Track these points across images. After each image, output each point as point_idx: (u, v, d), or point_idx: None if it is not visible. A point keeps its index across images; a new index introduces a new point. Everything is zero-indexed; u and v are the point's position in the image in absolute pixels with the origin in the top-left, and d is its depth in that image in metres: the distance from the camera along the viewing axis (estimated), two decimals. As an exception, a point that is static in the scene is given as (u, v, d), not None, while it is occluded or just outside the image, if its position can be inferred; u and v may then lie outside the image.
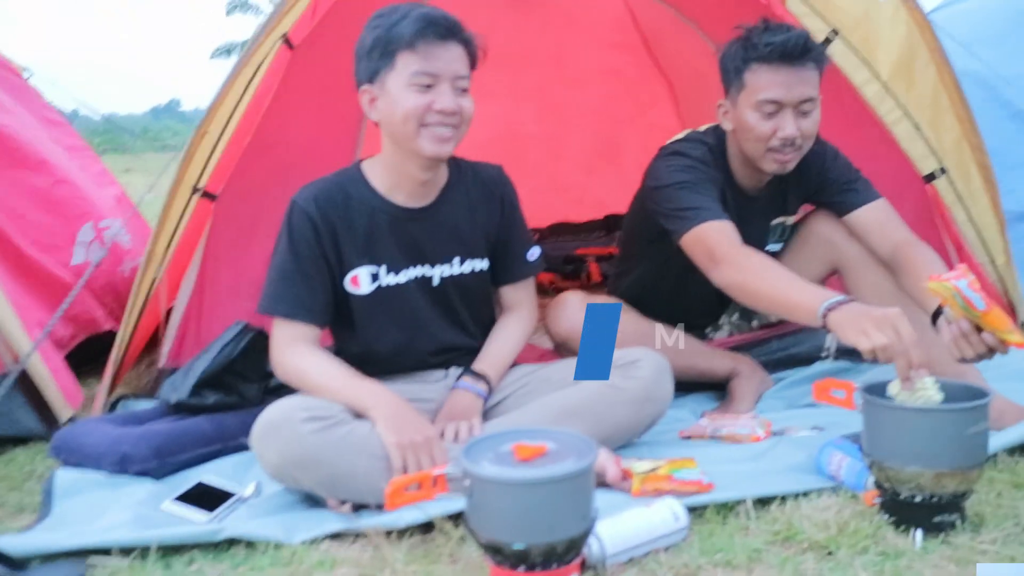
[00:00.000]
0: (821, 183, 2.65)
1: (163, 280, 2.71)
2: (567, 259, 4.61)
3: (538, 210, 4.72)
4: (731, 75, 2.49)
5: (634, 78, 4.53)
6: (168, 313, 2.85)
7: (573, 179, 4.81)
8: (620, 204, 4.70)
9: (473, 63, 2.20)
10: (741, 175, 2.63)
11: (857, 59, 2.85)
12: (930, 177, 2.92)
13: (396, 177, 2.24)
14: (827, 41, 2.84)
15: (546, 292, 4.37)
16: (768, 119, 2.42)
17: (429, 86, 2.09)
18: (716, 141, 2.62)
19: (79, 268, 3.28)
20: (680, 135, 2.69)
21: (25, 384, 2.56)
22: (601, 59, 4.47)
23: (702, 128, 2.68)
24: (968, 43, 3.53)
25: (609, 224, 4.84)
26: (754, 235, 2.68)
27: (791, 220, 2.76)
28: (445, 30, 2.10)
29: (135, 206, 3.78)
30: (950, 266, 2.81)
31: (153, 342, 3.01)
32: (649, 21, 4.16)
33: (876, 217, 2.55)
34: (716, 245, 2.37)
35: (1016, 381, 2.63)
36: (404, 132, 2.12)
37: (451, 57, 2.12)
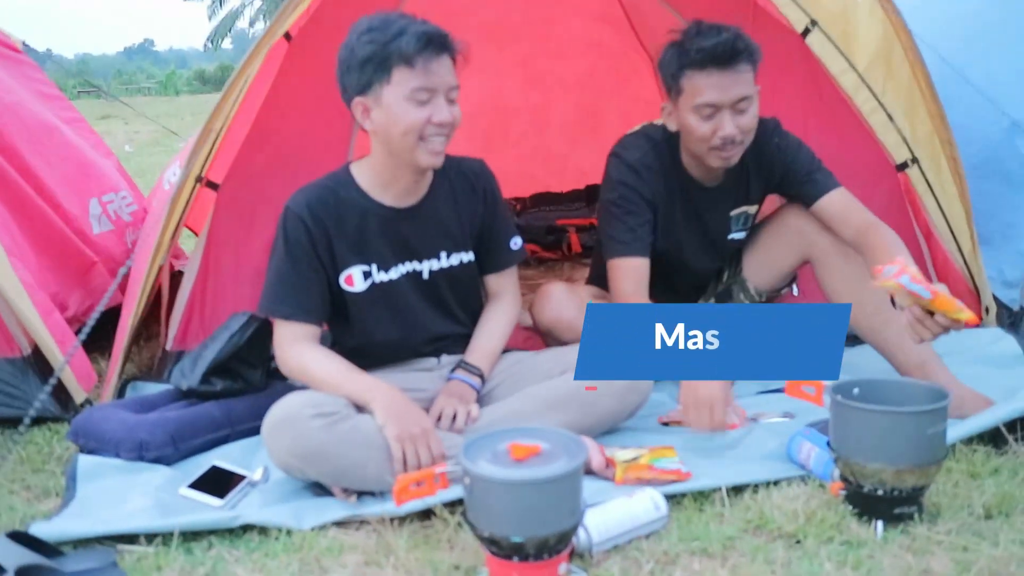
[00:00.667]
0: (784, 174, 2.75)
1: (166, 264, 2.82)
2: (548, 229, 4.72)
3: (521, 180, 4.84)
4: (669, 81, 2.59)
5: (616, 51, 4.60)
6: (172, 292, 2.95)
7: (556, 149, 4.90)
8: (601, 174, 4.83)
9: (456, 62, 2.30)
10: (694, 168, 2.74)
11: (835, 50, 2.95)
12: (903, 166, 3.04)
13: (386, 180, 2.35)
14: (807, 31, 2.95)
15: (527, 263, 4.49)
16: (707, 120, 2.53)
17: (426, 100, 2.20)
18: (667, 134, 2.73)
19: (97, 241, 3.42)
20: (636, 128, 2.82)
21: (41, 366, 2.68)
22: (584, 32, 4.54)
23: (659, 121, 2.78)
24: (944, 29, 3.65)
25: (590, 194, 4.94)
26: (714, 225, 2.84)
27: (754, 209, 2.88)
28: (440, 46, 2.20)
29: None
30: (915, 248, 2.98)
31: (154, 319, 3.12)
32: (630, -2, 4.25)
33: (838, 206, 2.65)
34: (615, 287, 2.64)
35: (977, 366, 2.80)
36: (403, 144, 2.23)
37: (445, 70, 2.22)
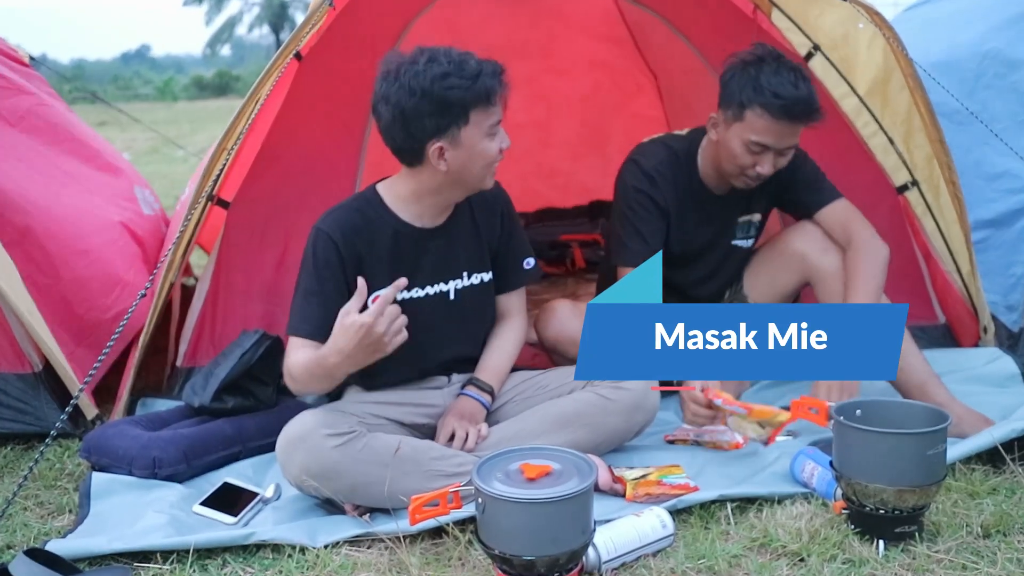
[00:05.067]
0: (789, 184, 2.83)
1: (177, 282, 2.86)
2: (552, 244, 4.76)
3: (525, 195, 4.85)
4: (732, 101, 2.63)
5: (620, 69, 4.65)
6: (182, 312, 2.99)
7: (560, 165, 4.93)
8: (605, 191, 4.84)
9: None
10: (708, 177, 2.82)
11: (837, 74, 3.00)
12: (902, 188, 3.09)
13: (425, 202, 2.37)
14: (809, 56, 3.01)
15: (529, 277, 4.53)
16: (752, 155, 2.61)
17: (496, 133, 2.27)
18: (687, 144, 2.82)
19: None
20: (655, 136, 2.90)
21: (51, 382, 2.71)
22: (589, 51, 4.57)
23: (682, 131, 2.88)
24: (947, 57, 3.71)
25: (593, 210, 4.98)
26: (719, 231, 2.92)
27: (758, 218, 2.96)
28: (506, 81, 2.27)
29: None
30: (915, 269, 3.04)
31: (163, 335, 3.16)
32: (634, 17, 4.29)
33: (837, 217, 2.78)
34: None
35: (975, 385, 2.85)
36: (479, 175, 2.29)
37: (503, 103, 2.29)
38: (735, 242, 2.95)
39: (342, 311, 2.12)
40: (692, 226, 2.85)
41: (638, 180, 2.77)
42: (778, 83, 2.54)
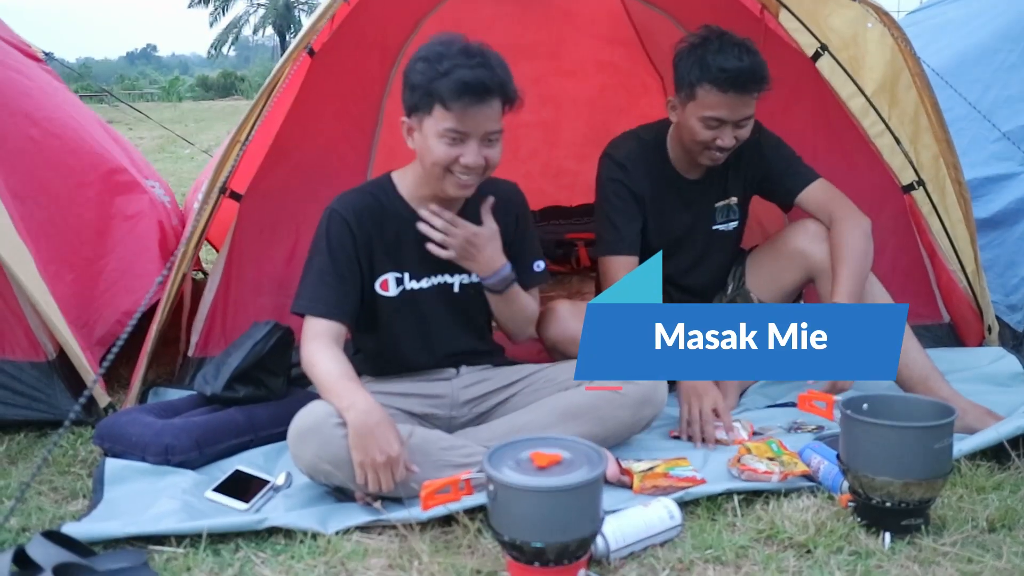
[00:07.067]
0: (765, 169, 2.91)
1: (188, 273, 2.88)
2: (558, 243, 4.78)
3: (531, 194, 4.83)
4: (683, 83, 2.72)
5: (627, 70, 4.67)
6: (194, 300, 3.02)
7: (566, 165, 4.95)
8: (611, 190, 4.90)
9: (511, 107, 2.32)
10: (679, 162, 2.90)
11: (844, 74, 3.03)
12: (908, 188, 3.11)
13: (424, 193, 2.41)
14: (817, 55, 3.03)
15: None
16: (710, 130, 2.69)
17: (458, 140, 2.26)
18: (655, 133, 2.92)
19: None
20: (626, 131, 2.99)
21: (64, 371, 2.73)
22: (596, 52, 4.61)
23: (654, 123, 2.96)
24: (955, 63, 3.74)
25: (599, 209, 5.01)
26: (698, 216, 2.98)
27: (735, 201, 3.00)
28: (483, 94, 2.22)
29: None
30: (920, 269, 3.07)
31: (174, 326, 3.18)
32: (642, 18, 4.31)
33: (816, 199, 2.84)
34: (605, 284, 2.75)
35: (978, 383, 2.87)
36: (432, 173, 2.32)
37: (484, 116, 2.25)
38: (716, 227, 2.99)
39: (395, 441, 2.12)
40: (670, 212, 2.91)
41: (611, 170, 2.87)
42: (723, 59, 2.62)
